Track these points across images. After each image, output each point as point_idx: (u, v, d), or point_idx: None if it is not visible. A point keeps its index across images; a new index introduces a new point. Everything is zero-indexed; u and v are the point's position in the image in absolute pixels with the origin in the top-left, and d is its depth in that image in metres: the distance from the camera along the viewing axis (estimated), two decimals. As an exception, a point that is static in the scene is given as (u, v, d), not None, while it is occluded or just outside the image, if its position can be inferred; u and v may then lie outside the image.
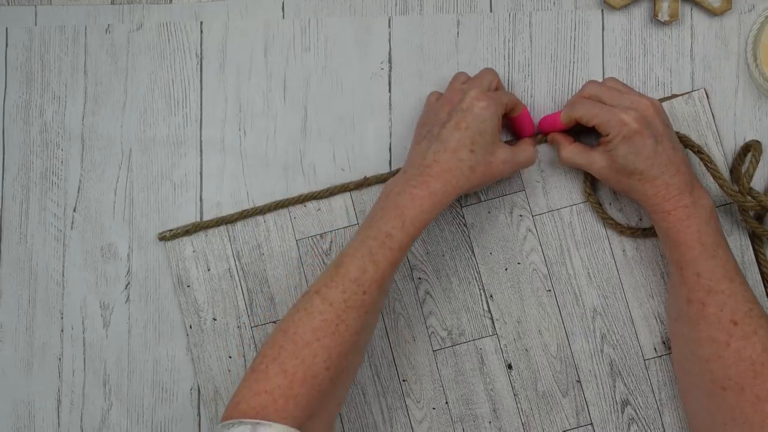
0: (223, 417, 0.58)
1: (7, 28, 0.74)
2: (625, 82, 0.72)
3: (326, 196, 0.71)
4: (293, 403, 0.57)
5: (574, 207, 0.71)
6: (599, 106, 0.65)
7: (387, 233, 0.60)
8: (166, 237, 0.71)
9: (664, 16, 0.71)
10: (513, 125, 0.70)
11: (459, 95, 0.65)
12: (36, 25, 0.74)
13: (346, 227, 0.71)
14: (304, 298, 0.61)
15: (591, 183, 0.70)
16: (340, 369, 0.59)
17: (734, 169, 0.69)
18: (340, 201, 0.71)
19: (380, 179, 0.71)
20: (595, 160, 0.66)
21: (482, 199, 0.71)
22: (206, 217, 0.72)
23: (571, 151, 0.67)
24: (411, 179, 0.62)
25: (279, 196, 0.72)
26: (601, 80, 0.71)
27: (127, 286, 0.72)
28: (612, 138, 0.63)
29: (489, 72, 0.67)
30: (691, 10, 0.72)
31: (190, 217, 0.72)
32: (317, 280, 0.61)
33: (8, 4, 0.74)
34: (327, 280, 0.60)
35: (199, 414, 0.71)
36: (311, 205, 0.71)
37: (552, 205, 0.71)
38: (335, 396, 0.60)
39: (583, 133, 0.69)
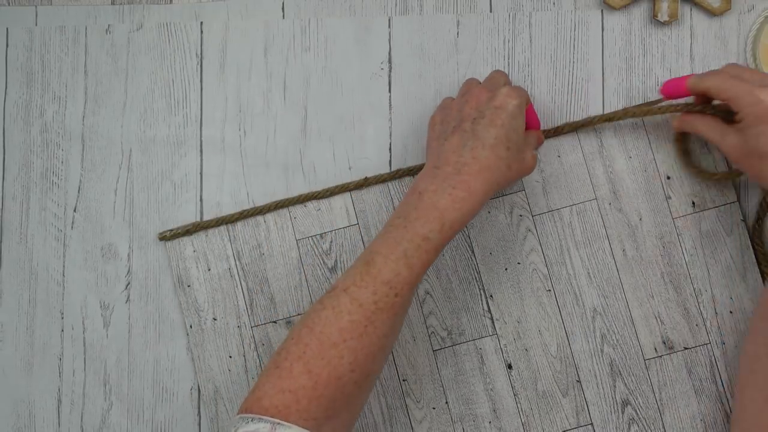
0: (241, 409, 0.56)
1: (7, 29, 0.74)
2: (624, 82, 0.72)
3: (326, 196, 0.71)
4: (316, 404, 0.55)
5: (574, 207, 0.71)
6: (733, 79, 0.61)
7: (424, 236, 0.58)
8: (166, 237, 0.71)
9: (663, 16, 0.71)
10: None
11: (485, 93, 0.63)
12: (36, 25, 0.74)
13: (346, 227, 0.71)
14: (331, 294, 0.58)
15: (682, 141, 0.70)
16: (365, 371, 0.58)
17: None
18: (340, 201, 0.71)
19: (380, 179, 0.71)
20: (728, 135, 0.62)
21: (482, 199, 0.71)
22: (206, 217, 0.72)
23: (706, 124, 0.64)
24: (448, 178, 0.59)
25: (279, 196, 0.72)
26: (601, 80, 0.70)
27: (127, 286, 0.72)
28: (745, 116, 0.59)
29: (502, 74, 0.66)
30: (691, 10, 0.72)
31: (190, 217, 0.72)
32: (345, 276, 0.59)
33: (8, 5, 0.74)
34: (357, 279, 0.58)
35: (199, 414, 0.71)
36: (311, 205, 0.71)
37: (552, 205, 0.71)
38: (359, 398, 0.59)
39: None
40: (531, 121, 0.68)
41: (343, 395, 0.56)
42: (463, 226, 0.59)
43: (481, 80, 0.67)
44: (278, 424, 0.54)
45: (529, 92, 0.72)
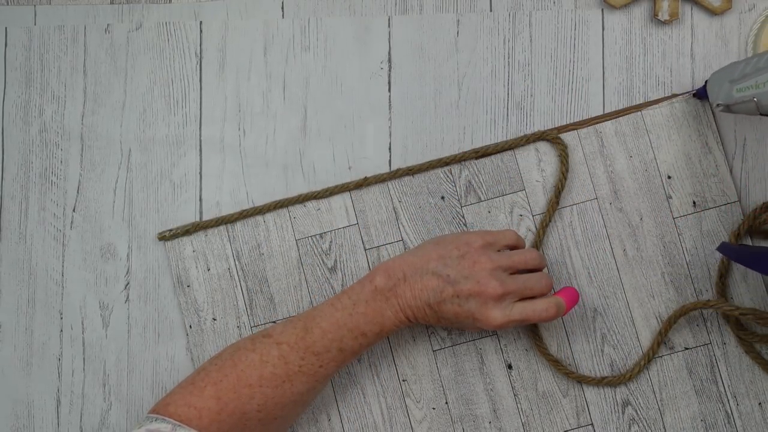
0: (150, 410, 0.61)
1: (6, 28, 0.74)
2: (625, 82, 0.72)
3: (326, 196, 0.71)
4: (217, 426, 0.60)
5: (574, 207, 0.70)
6: None
7: (363, 332, 0.63)
8: (165, 237, 0.71)
9: (664, 15, 0.71)
10: None
11: (491, 300, 0.62)
12: (35, 24, 0.74)
13: (345, 227, 0.71)
14: (264, 341, 0.63)
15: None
16: (272, 415, 0.62)
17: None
18: (339, 201, 0.71)
19: (380, 179, 0.71)
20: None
21: (482, 199, 0.71)
22: (206, 217, 0.72)
23: None
24: (399, 298, 0.63)
25: (279, 196, 0.72)
26: (602, 80, 0.70)
27: (126, 286, 0.72)
28: None
29: (513, 243, 0.66)
30: (692, 9, 0.72)
31: (189, 217, 0.72)
32: (283, 330, 0.63)
33: (8, 4, 0.74)
34: (291, 340, 0.62)
35: (198, 414, 0.71)
36: (311, 204, 0.71)
37: (552, 204, 0.71)
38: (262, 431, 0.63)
39: None
40: (568, 300, 0.65)
41: (245, 427, 0.61)
42: (396, 332, 0.68)
43: None
44: (179, 426, 0.59)
45: (529, 92, 0.72)
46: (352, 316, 0.63)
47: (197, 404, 0.60)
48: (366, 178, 0.71)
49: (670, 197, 0.70)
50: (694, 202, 0.70)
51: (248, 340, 0.64)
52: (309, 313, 0.64)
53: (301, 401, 0.63)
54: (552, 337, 0.70)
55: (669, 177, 0.70)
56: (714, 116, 0.70)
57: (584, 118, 0.71)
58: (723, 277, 0.69)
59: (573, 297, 0.65)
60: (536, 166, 0.71)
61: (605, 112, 0.72)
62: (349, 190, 0.71)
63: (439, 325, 0.66)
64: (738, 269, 0.69)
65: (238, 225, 0.71)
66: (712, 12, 0.71)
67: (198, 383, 0.62)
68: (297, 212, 0.71)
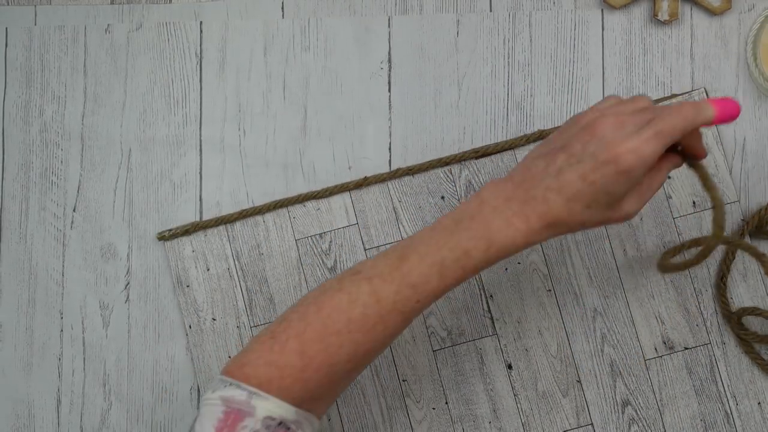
0: (223, 370, 0.55)
1: (6, 28, 0.74)
2: (625, 82, 0.72)
3: (326, 196, 0.71)
4: (301, 385, 0.53)
5: (574, 207, 0.70)
6: None
7: (467, 251, 0.52)
8: (165, 237, 0.71)
9: (664, 15, 0.71)
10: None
11: (609, 130, 0.50)
12: (36, 25, 0.74)
13: (345, 227, 0.71)
14: (352, 279, 0.54)
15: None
16: (361, 364, 0.55)
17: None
18: (339, 201, 0.71)
19: (380, 179, 0.71)
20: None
21: (482, 199, 0.71)
22: (206, 217, 0.72)
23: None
24: (513, 202, 0.52)
25: (278, 196, 0.72)
26: (601, 80, 0.70)
27: (126, 286, 0.72)
28: None
29: (645, 103, 0.53)
30: (691, 9, 0.72)
31: (189, 217, 0.72)
32: (373, 262, 0.55)
33: (8, 4, 0.74)
34: (384, 271, 0.54)
35: (198, 414, 0.71)
36: (311, 204, 0.71)
37: (552, 204, 0.71)
38: (346, 384, 0.57)
39: None
40: (724, 119, 0.53)
41: (330, 382, 0.54)
42: (511, 254, 0.53)
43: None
44: (255, 393, 0.52)
45: (529, 92, 0.72)
46: (453, 233, 0.53)
47: (278, 362, 0.53)
48: (366, 178, 0.71)
49: (670, 197, 0.70)
50: (693, 202, 0.70)
51: (334, 280, 0.55)
52: (405, 241, 0.55)
53: (386, 345, 0.55)
54: (552, 337, 0.70)
55: (669, 177, 0.70)
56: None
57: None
58: (723, 278, 0.69)
59: (729, 105, 0.52)
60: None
61: (605, 112, 0.71)
62: (349, 190, 0.71)
63: (570, 223, 0.52)
64: (738, 269, 0.69)
65: (238, 225, 0.71)
66: (711, 12, 0.71)
67: (279, 336, 0.54)
68: (297, 212, 0.71)
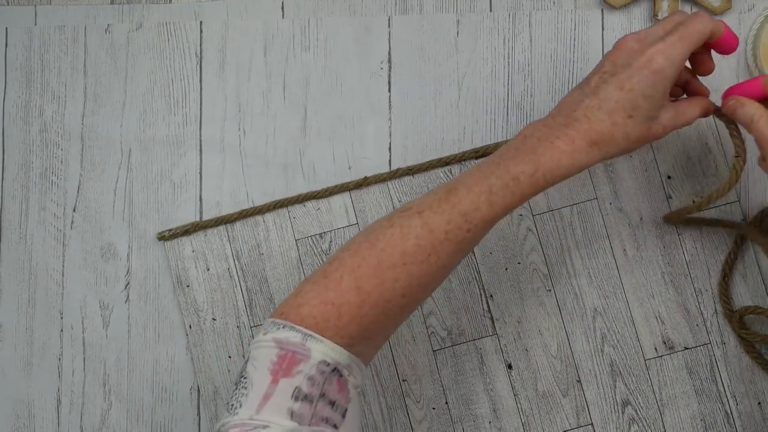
0: (278, 312, 0.54)
1: (6, 28, 0.74)
2: (625, 81, 0.72)
3: (326, 196, 0.71)
4: (357, 323, 0.53)
5: (574, 207, 0.70)
6: None
7: (514, 176, 0.54)
8: (165, 237, 0.71)
9: (664, 15, 0.71)
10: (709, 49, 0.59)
11: (634, 45, 0.55)
12: (36, 25, 0.74)
13: (345, 227, 0.71)
14: (403, 214, 0.55)
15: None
16: (415, 299, 0.55)
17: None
18: (339, 201, 0.71)
19: (380, 179, 0.71)
20: None
21: (482, 199, 0.71)
22: (206, 217, 0.72)
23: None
24: (556, 129, 0.55)
25: (278, 196, 0.72)
26: None
27: (126, 286, 0.72)
28: None
29: (678, 16, 0.57)
30: (691, 9, 0.71)
31: (189, 217, 0.72)
32: (422, 199, 0.56)
33: (8, 4, 0.74)
34: (434, 204, 0.55)
35: (199, 414, 0.71)
36: (311, 204, 0.71)
37: (552, 204, 0.71)
38: (399, 321, 0.57)
39: None
40: (725, 44, 0.58)
41: (386, 318, 0.54)
42: (558, 180, 0.55)
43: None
44: (310, 336, 0.52)
45: (529, 92, 0.72)
46: (499, 164, 0.55)
47: (335, 300, 0.53)
48: (366, 178, 0.71)
49: (670, 197, 0.70)
50: (693, 202, 0.70)
51: (384, 219, 0.56)
52: (452, 181, 0.56)
53: (441, 278, 0.56)
54: (552, 337, 0.70)
55: (669, 177, 0.70)
56: (714, 116, 0.70)
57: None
58: (726, 278, 0.69)
59: (732, 35, 0.58)
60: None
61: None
62: (349, 190, 0.71)
63: (616, 137, 0.54)
64: (738, 270, 0.69)
65: (238, 225, 0.71)
66: (711, 12, 0.71)
67: (333, 275, 0.54)
68: (297, 212, 0.71)
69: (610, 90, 0.54)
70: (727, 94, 0.60)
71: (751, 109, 0.57)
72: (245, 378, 0.52)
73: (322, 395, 0.51)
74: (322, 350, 0.52)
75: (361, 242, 0.55)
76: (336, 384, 0.52)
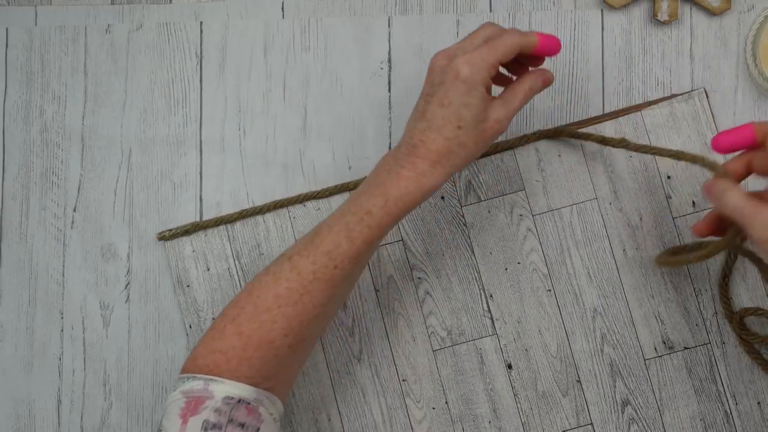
0: (181, 370, 0.59)
1: (7, 29, 0.74)
2: (624, 82, 0.72)
3: (326, 196, 0.71)
4: (247, 364, 0.57)
5: (574, 206, 0.71)
6: None
7: (367, 210, 0.57)
8: (165, 237, 0.71)
9: (663, 15, 0.71)
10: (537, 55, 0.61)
11: (444, 61, 0.58)
12: (36, 25, 0.74)
13: (345, 227, 0.71)
14: (276, 262, 0.60)
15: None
16: (300, 337, 0.59)
17: None
18: (339, 201, 0.71)
19: (380, 179, 0.71)
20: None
21: (482, 199, 0.71)
22: (206, 217, 0.72)
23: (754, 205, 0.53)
24: (400, 158, 0.58)
25: (279, 196, 0.72)
26: (601, 80, 0.70)
27: (127, 286, 0.72)
28: None
29: (485, 28, 0.59)
30: (691, 9, 0.72)
31: (189, 217, 0.72)
32: (292, 246, 0.60)
33: (8, 4, 0.74)
34: (301, 248, 0.59)
35: (198, 414, 0.71)
36: (311, 204, 0.71)
37: (552, 204, 0.71)
38: (294, 361, 0.60)
39: None
40: (544, 53, 0.59)
41: (276, 358, 0.58)
42: (411, 205, 0.58)
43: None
44: (211, 380, 0.56)
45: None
46: (355, 200, 0.59)
47: (221, 347, 0.58)
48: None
49: (670, 197, 0.70)
50: (693, 202, 0.70)
51: (262, 270, 0.61)
52: (320, 222, 0.61)
53: (324, 314, 0.60)
54: (552, 336, 0.70)
55: (669, 177, 0.70)
56: (714, 116, 0.71)
57: (584, 118, 0.71)
58: (726, 278, 0.69)
59: (551, 41, 0.59)
60: (536, 165, 0.71)
61: (605, 112, 0.72)
62: (349, 190, 0.71)
63: (454, 151, 0.57)
64: (738, 270, 0.69)
65: (238, 225, 0.71)
66: (711, 12, 0.71)
67: (217, 326, 0.59)
68: (297, 212, 0.71)
69: (434, 109, 0.57)
70: (716, 142, 0.57)
71: (732, 198, 0.54)
72: (161, 430, 0.56)
73: (231, 420, 0.55)
74: (225, 389, 0.56)
75: (240, 294, 0.60)
76: (244, 409, 0.56)
